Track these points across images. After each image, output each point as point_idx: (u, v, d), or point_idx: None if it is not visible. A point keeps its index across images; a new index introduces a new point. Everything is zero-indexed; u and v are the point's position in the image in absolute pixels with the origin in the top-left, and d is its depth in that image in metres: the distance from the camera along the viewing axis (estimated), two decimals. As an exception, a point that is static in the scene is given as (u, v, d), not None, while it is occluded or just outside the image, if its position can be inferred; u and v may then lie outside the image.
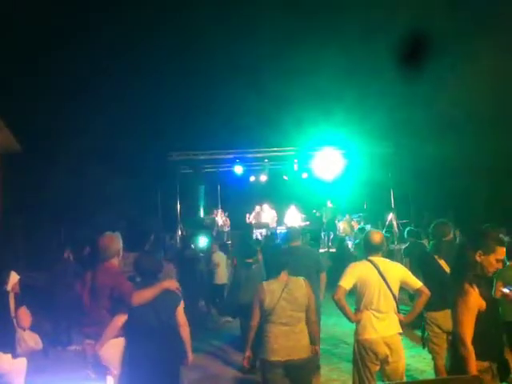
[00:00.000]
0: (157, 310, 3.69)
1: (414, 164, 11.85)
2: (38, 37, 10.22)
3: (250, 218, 14.62)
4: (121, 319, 3.70)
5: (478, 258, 3.10)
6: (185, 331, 3.86)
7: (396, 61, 10.42)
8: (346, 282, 3.97)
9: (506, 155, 9.13)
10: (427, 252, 4.99)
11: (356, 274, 4.03)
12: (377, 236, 4.19)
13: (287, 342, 3.78)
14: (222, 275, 8.99)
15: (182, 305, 3.87)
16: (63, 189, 11.17)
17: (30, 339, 4.22)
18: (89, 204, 11.20)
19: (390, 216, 13.54)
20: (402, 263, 4.40)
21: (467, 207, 9.34)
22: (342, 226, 13.95)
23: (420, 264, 4.97)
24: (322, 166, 14.06)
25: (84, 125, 11.01)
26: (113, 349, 3.72)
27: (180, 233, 13.84)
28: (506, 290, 3.22)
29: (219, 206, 15.56)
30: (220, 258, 9.15)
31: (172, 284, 3.88)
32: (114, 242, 4.01)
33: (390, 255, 8.10)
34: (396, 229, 13.17)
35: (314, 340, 3.95)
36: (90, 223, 9.92)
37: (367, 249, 4.18)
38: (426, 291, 3.97)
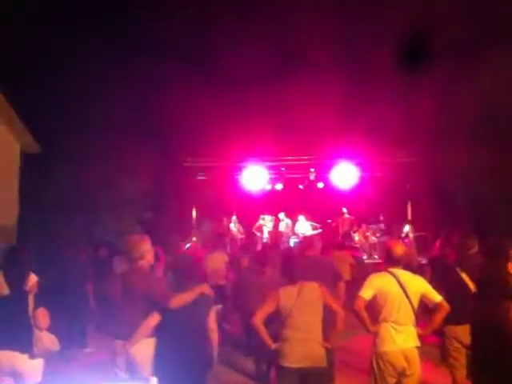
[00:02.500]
0: (193, 313, 3.73)
1: (433, 175, 11.72)
2: (64, 37, 10.37)
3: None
4: (154, 320, 3.74)
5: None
6: (214, 336, 3.90)
7: (414, 67, 10.37)
8: (366, 293, 3.96)
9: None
10: (450, 265, 4.92)
11: (376, 285, 4.01)
12: (398, 248, 4.18)
13: (300, 348, 3.79)
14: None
15: (214, 309, 3.91)
16: (80, 190, 11.27)
17: (47, 340, 4.26)
18: (105, 206, 11.27)
19: (407, 228, 13.40)
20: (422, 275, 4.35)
21: (492, 220, 9.19)
22: (357, 236, 13.86)
23: (442, 277, 4.91)
24: (339, 176, 14.01)
25: (103, 127, 11.09)
26: (145, 348, 3.75)
27: (194, 238, 13.85)
28: None
29: (234, 213, 15.55)
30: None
31: (206, 288, 3.91)
32: (140, 243, 4.05)
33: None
34: (413, 241, 13.02)
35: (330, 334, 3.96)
36: (106, 225, 9.99)
37: (388, 260, 4.16)
38: (446, 305, 3.94)
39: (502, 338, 2.67)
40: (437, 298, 3.99)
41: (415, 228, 13.28)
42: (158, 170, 12.22)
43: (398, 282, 3.97)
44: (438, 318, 3.97)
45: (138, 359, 3.74)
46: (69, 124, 11.00)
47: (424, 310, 4.19)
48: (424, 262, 8.85)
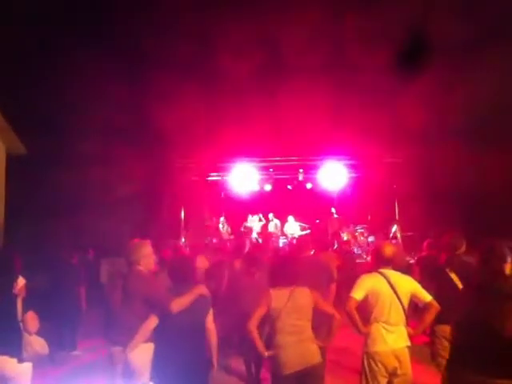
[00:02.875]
0: (192, 315, 3.73)
1: (421, 175, 11.83)
2: (49, 37, 10.26)
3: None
4: (152, 324, 3.72)
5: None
6: (213, 336, 3.90)
7: (403, 68, 10.46)
8: (358, 294, 3.99)
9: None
10: (439, 265, 4.96)
11: (367, 285, 4.04)
12: (388, 249, 4.22)
13: (295, 352, 3.77)
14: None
15: (211, 310, 3.90)
16: (67, 191, 11.17)
17: (37, 344, 4.21)
18: (92, 207, 11.17)
19: (395, 228, 13.50)
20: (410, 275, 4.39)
21: (479, 220, 9.30)
22: (345, 236, 13.91)
23: (431, 277, 4.95)
24: (327, 177, 14.07)
25: (89, 127, 11.00)
26: (143, 353, 3.74)
27: (183, 240, 13.82)
28: None
29: (222, 214, 15.53)
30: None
31: (204, 289, 3.92)
32: (139, 247, 4.04)
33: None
34: (400, 241, 13.11)
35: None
36: (93, 227, 9.91)
37: (378, 261, 4.19)
38: (436, 305, 3.98)
39: (496, 338, 2.69)
40: (427, 297, 4.03)
41: (403, 228, 13.39)
42: (148, 170, 12.15)
43: (389, 282, 4.01)
44: (429, 317, 4.01)
45: (136, 365, 3.73)
46: (56, 126, 10.89)
47: (414, 310, 4.22)
48: (412, 261, 8.91)
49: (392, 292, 3.98)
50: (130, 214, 11.91)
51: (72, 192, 11.15)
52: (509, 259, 3.02)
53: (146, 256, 4.02)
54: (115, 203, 11.70)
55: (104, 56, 10.70)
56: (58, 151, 11.20)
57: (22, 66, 10.62)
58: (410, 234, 12.88)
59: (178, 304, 3.69)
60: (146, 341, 3.78)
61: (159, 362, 3.75)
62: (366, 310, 4.08)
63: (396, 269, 4.24)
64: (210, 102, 11.26)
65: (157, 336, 3.78)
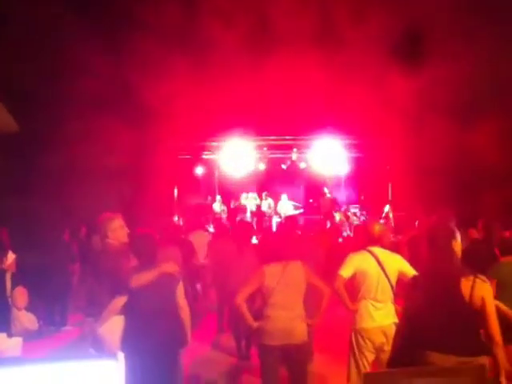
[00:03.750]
0: (157, 292, 3.67)
1: (414, 155, 11.82)
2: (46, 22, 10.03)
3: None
4: (120, 301, 3.69)
5: None
6: (185, 313, 3.87)
7: (394, 48, 10.36)
8: (345, 272, 4.02)
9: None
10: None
11: (355, 263, 4.07)
12: (376, 227, 4.25)
13: (284, 326, 3.81)
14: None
15: (181, 287, 3.87)
16: (59, 170, 11.07)
17: (25, 319, 4.22)
18: (84, 184, 11.09)
19: (387, 208, 13.57)
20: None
21: (471, 199, 9.34)
22: (338, 216, 13.96)
23: (420, 256, 4.98)
24: (320, 157, 14.05)
25: (79, 103, 10.83)
26: (113, 327, 3.72)
27: (176, 218, 13.82)
28: None
29: (217, 192, 15.52)
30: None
31: (172, 266, 3.85)
32: (110, 221, 3.99)
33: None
34: (392, 221, 13.19)
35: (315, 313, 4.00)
36: (86, 204, 9.85)
37: (367, 239, 4.22)
38: None
39: (452, 317, 2.72)
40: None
41: (395, 208, 13.46)
42: (141, 148, 12.02)
43: (377, 260, 4.04)
44: None
45: (105, 338, 3.73)
46: (46, 101, 10.71)
47: (403, 288, 4.25)
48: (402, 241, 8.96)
49: (380, 270, 4.02)
50: (122, 192, 11.86)
51: (63, 169, 11.05)
52: (457, 236, 3.03)
53: (115, 229, 3.96)
54: (107, 180, 11.62)
55: (91, 27, 10.50)
56: (49, 130, 11.07)
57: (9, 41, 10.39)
58: (402, 214, 12.94)
59: (138, 280, 3.60)
60: (116, 314, 3.75)
61: (128, 339, 3.70)
62: (354, 288, 4.12)
63: (384, 247, 4.27)
64: (201, 78, 11.09)
65: (126, 312, 3.73)
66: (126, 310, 3.71)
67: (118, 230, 3.99)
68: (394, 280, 4.06)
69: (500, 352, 2.75)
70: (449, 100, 9.89)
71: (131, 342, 3.63)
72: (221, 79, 10.99)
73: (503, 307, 2.99)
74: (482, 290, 2.77)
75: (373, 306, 4.02)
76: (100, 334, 3.72)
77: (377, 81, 10.68)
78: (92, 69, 10.30)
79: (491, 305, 2.78)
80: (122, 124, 10.58)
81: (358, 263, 4.07)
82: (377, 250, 4.13)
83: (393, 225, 13.02)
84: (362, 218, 13.90)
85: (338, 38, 10.42)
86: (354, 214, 14.19)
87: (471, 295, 2.75)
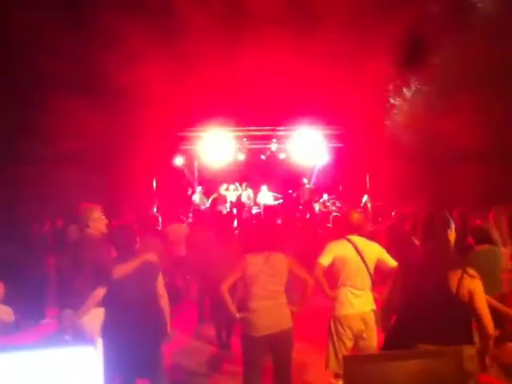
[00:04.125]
0: (137, 282, 3.69)
1: (391, 146, 11.95)
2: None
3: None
4: (101, 291, 3.68)
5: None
6: (164, 302, 3.91)
7: (370, 31, 10.42)
8: (325, 260, 4.07)
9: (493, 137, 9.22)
10: (405, 233, 5.08)
11: (334, 251, 4.12)
12: (355, 216, 4.31)
13: (269, 316, 3.84)
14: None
15: (161, 276, 3.89)
16: (34, 160, 10.85)
17: (2, 311, 4.17)
18: (61, 176, 10.89)
19: (365, 198, 13.71)
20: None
21: (449, 188, 9.49)
22: (317, 206, 14.06)
23: (398, 245, 5.07)
24: (300, 148, 14.08)
25: (56, 94, 10.60)
26: (92, 319, 3.71)
27: (156, 209, 13.74)
28: None
29: (196, 183, 15.46)
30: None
31: (151, 256, 3.88)
32: (87, 211, 3.97)
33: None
34: (370, 210, 13.34)
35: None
36: (63, 196, 9.70)
37: (346, 228, 4.27)
38: None
39: (441, 306, 2.75)
40: (392, 263, 4.14)
41: (374, 198, 13.60)
42: (119, 140, 11.83)
43: (356, 248, 4.10)
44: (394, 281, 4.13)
45: (86, 329, 3.71)
46: (21, 89, 10.45)
47: (382, 277, 4.32)
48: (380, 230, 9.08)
49: (359, 257, 4.08)
50: (100, 183, 11.70)
51: (39, 158, 10.83)
52: (452, 225, 3.08)
53: (96, 219, 3.96)
54: (83, 171, 11.45)
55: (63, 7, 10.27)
56: (25, 119, 10.82)
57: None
58: (380, 203, 13.09)
59: (120, 270, 3.63)
60: (96, 306, 3.75)
61: (109, 329, 3.70)
62: (333, 276, 4.17)
63: (363, 236, 4.33)
64: (181, 68, 10.98)
65: (106, 302, 3.75)
66: (106, 301, 3.71)
67: (98, 221, 3.99)
68: (372, 268, 4.13)
69: (489, 344, 2.78)
70: (424, 88, 10.01)
71: (112, 331, 3.63)
72: (200, 69, 10.90)
73: (493, 301, 3.03)
74: (469, 284, 2.78)
75: (352, 293, 4.09)
76: (80, 326, 3.70)
77: (355, 71, 10.73)
78: (69, 55, 10.07)
79: (481, 299, 2.77)
80: (99, 115, 10.42)
81: (337, 251, 4.13)
82: (355, 238, 4.20)
83: (371, 214, 13.18)
84: (338, 207, 14.00)
85: (316, 29, 10.43)
86: (333, 204, 14.30)
87: (458, 288, 2.77)
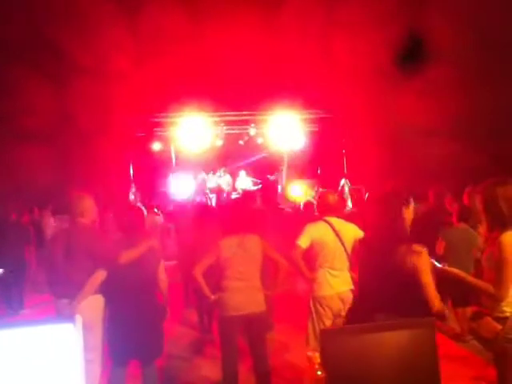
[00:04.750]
0: (142, 267, 3.75)
1: (368, 129, 12.04)
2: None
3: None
4: (99, 277, 3.70)
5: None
6: (165, 286, 3.98)
7: (352, 26, 10.43)
8: (303, 242, 4.12)
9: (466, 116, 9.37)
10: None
11: (313, 233, 4.17)
12: (331, 197, 4.37)
13: (242, 297, 3.88)
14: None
15: (162, 261, 3.98)
16: (8, 148, 10.60)
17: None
18: (37, 165, 10.68)
19: (343, 181, 13.83)
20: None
21: (424, 170, 9.65)
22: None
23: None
24: (278, 132, 14.06)
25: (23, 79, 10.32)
26: (92, 306, 3.73)
27: (133, 197, 13.62)
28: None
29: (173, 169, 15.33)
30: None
31: (155, 242, 3.96)
32: (80, 200, 3.96)
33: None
34: (348, 194, 13.47)
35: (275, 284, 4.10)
36: (39, 185, 9.53)
37: (323, 209, 4.33)
38: None
39: (392, 280, 2.82)
40: None
41: (351, 182, 13.73)
42: (92, 125, 11.59)
43: (333, 229, 4.16)
44: None
45: (86, 318, 3.71)
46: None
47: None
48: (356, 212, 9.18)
49: (337, 239, 4.14)
50: (75, 171, 11.52)
51: (13, 147, 10.58)
52: (410, 204, 3.10)
53: (89, 208, 3.96)
54: (61, 161, 11.25)
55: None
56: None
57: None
58: (358, 187, 13.22)
59: (127, 256, 3.69)
60: (95, 293, 3.77)
61: (112, 316, 3.78)
62: (312, 257, 4.23)
63: (340, 218, 4.40)
64: (156, 52, 10.80)
65: (108, 289, 3.78)
66: (109, 286, 3.76)
67: (91, 210, 3.98)
68: (349, 248, 4.20)
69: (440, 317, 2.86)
70: (399, 71, 10.08)
71: (115, 317, 3.72)
72: (176, 52, 10.73)
73: (469, 278, 3.11)
74: (413, 259, 2.81)
75: (330, 273, 4.15)
76: (79, 313, 3.69)
77: (332, 54, 10.74)
78: (31, 29, 9.77)
79: (425, 274, 2.82)
80: (69, 100, 10.19)
81: (315, 233, 4.18)
82: (333, 219, 4.25)
83: (348, 198, 13.32)
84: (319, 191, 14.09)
85: (292, 10, 10.37)
86: (311, 188, 14.37)
87: (404, 262, 2.80)
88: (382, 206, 3.06)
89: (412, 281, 2.79)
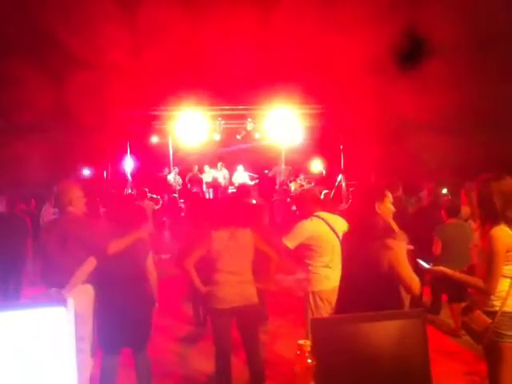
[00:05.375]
0: (130, 257, 3.76)
1: (366, 125, 12.04)
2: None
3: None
4: (89, 266, 3.71)
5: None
6: (154, 277, 4.00)
7: (350, 19, 10.41)
8: (291, 242, 4.17)
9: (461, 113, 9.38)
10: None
11: (305, 232, 4.20)
12: (317, 193, 4.40)
13: (231, 289, 3.87)
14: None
15: (151, 253, 3.99)
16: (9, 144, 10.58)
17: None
18: (31, 156, 10.65)
19: (340, 177, 13.85)
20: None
21: (420, 166, 9.68)
22: (293, 186, 14.15)
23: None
24: (275, 127, 14.03)
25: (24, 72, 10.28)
26: (82, 295, 3.73)
27: (130, 190, 13.62)
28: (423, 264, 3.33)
29: (171, 163, 15.33)
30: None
31: (144, 232, 3.97)
32: (69, 189, 3.94)
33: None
34: (345, 190, 13.50)
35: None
36: (33, 176, 9.50)
37: (313, 205, 4.33)
38: None
39: (370, 276, 2.83)
40: None
41: (348, 178, 13.75)
42: (91, 120, 11.55)
43: (327, 223, 4.17)
44: None
45: (76, 307, 3.71)
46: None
47: None
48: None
49: (331, 232, 4.16)
50: (73, 163, 11.51)
51: (13, 142, 10.55)
52: (387, 198, 3.08)
53: (78, 198, 3.93)
54: (60, 153, 11.23)
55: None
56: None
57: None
58: (354, 182, 13.24)
59: (115, 246, 3.68)
60: (84, 283, 3.78)
61: (102, 305, 3.79)
62: (310, 252, 4.23)
63: (332, 212, 4.43)
64: (155, 46, 10.76)
65: (98, 279, 3.79)
66: (98, 275, 3.76)
67: (81, 199, 3.96)
68: None
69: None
70: (397, 67, 10.08)
71: (105, 307, 3.73)
72: (174, 46, 10.69)
73: (457, 274, 3.13)
74: (386, 255, 2.80)
75: (329, 267, 4.16)
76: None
77: (328, 49, 10.72)
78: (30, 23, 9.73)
79: (400, 267, 2.80)
80: (67, 94, 10.16)
81: (309, 230, 4.20)
82: (324, 214, 4.29)
83: (346, 194, 13.36)
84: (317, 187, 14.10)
85: (291, 5, 10.34)
86: (309, 183, 14.40)
87: (378, 258, 2.80)
88: (355, 203, 3.07)
89: (389, 275, 2.80)
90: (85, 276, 3.73)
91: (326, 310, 4.14)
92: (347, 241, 3.12)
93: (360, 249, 2.88)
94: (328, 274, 4.15)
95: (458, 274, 3.12)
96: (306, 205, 4.40)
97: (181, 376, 4.84)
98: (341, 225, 4.24)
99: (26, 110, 10.28)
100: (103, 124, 11.44)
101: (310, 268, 4.24)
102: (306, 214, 4.35)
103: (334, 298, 4.10)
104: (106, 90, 10.80)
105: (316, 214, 4.26)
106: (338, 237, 4.16)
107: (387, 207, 3.02)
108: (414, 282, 2.82)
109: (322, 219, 4.21)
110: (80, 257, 3.74)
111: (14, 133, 10.33)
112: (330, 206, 4.70)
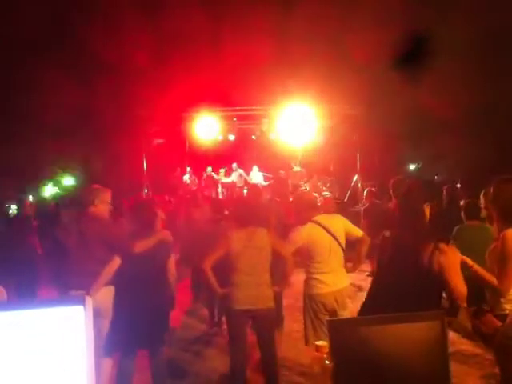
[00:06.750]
0: (154, 258, 3.81)
1: (382, 126, 11.96)
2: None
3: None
4: (114, 265, 3.75)
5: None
6: (173, 278, 4.08)
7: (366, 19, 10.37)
8: (287, 249, 4.09)
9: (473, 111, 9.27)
10: (386, 211, 5.11)
11: (300, 239, 4.19)
12: (312, 196, 4.38)
13: (250, 291, 3.86)
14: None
15: (172, 255, 4.10)
16: (22, 144, 10.75)
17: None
18: (51, 158, 10.81)
19: (355, 178, 13.76)
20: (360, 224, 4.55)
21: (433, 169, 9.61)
22: (307, 187, 14.05)
23: (380, 223, 5.10)
24: (289, 127, 13.96)
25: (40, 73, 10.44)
26: (105, 296, 3.77)
27: (146, 192, 13.73)
28: None
29: (186, 165, 15.39)
30: None
31: (167, 234, 4.03)
32: (99, 191, 4.04)
33: (356, 216, 8.28)
34: (361, 190, 13.39)
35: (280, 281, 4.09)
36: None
37: (309, 210, 4.32)
38: (367, 238, 4.24)
39: (414, 276, 2.79)
40: (359, 232, 4.28)
41: (364, 178, 13.66)
42: (108, 123, 11.71)
43: (324, 227, 4.15)
44: (362, 250, 4.27)
45: (98, 308, 3.75)
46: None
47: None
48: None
49: (328, 235, 4.14)
50: (90, 166, 11.63)
51: (27, 145, 10.72)
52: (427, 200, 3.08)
53: (105, 201, 4.00)
54: (83, 157, 11.37)
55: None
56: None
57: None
58: (370, 183, 13.13)
59: (141, 246, 3.73)
60: (107, 284, 3.80)
61: (121, 305, 3.81)
62: (307, 256, 4.21)
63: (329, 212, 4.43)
64: (170, 49, 10.85)
65: (118, 280, 3.82)
66: (119, 275, 3.80)
67: (105, 203, 4.02)
68: (343, 241, 4.21)
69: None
70: (411, 67, 10.01)
71: (125, 306, 3.75)
72: (191, 48, 10.77)
73: (469, 260, 3.07)
74: (439, 258, 2.77)
75: (324, 272, 4.14)
76: (96, 303, 3.74)
77: (345, 49, 10.69)
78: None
79: (451, 272, 2.77)
80: (91, 98, 10.29)
81: (304, 236, 4.17)
82: (319, 217, 4.25)
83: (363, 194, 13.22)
84: (332, 188, 14.02)
85: (306, 8, 10.33)
86: (324, 184, 14.31)
87: (429, 262, 2.77)
88: (405, 204, 3.04)
89: (435, 280, 2.77)
90: (109, 277, 3.77)
91: (321, 312, 4.12)
92: (395, 243, 3.05)
93: (412, 249, 2.84)
94: (323, 279, 4.13)
95: (476, 266, 3.08)
96: (302, 211, 4.38)
97: (196, 376, 4.84)
98: (337, 223, 4.23)
99: (51, 114, 10.42)
100: (123, 127, 11.57)
101: (306, 272, 4.25)
102: (301, 220, 4.32)
103: (328, 302, 4.12)
104: (126, 93, 10.92)
105: (312, 219, 4.22)
106: (335, 238, 4.14)
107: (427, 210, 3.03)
108: (461, 290, 2.79)
109: (317, 223, 4.18)
110: (101, 257, 3.77)
111: (39, 136, 10.49)
112: (331, 208, 4.65)
